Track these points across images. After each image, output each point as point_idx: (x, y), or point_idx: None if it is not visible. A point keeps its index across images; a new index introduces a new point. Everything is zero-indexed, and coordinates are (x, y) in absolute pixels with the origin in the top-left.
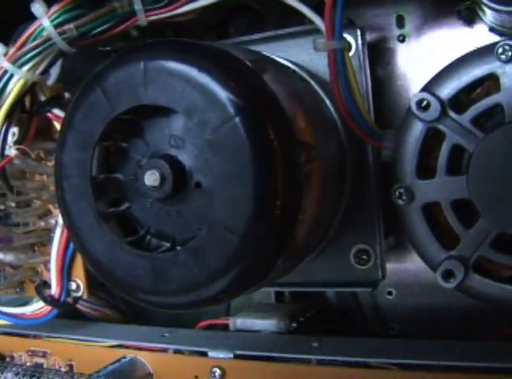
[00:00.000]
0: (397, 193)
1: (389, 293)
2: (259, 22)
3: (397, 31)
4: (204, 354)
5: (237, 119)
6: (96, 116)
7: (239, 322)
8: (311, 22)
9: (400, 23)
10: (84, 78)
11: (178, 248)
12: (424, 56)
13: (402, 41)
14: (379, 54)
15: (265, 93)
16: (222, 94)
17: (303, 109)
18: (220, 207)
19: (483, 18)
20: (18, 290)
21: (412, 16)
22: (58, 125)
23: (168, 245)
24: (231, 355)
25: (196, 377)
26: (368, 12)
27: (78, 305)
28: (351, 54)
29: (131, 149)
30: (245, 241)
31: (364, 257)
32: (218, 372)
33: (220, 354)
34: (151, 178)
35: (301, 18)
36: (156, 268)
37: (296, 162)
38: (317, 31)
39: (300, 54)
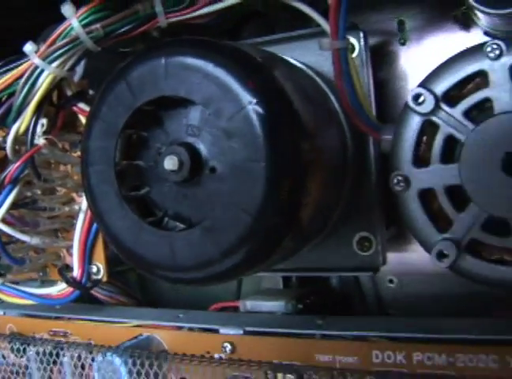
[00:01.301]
0: (395, 181)
1: (391, 281)
2: (269, 26)
3: (398, 35)
4: (215, 331)
5: (249, 108)
6: (121, 107)
7: (249, 304)
8: (317, 26)
9: (401, 27)
10: (106, 75)
11: (193, 227)
12: (424, 58)
13: (403, 44)
14: (382, 57)
15: (274, 86)
16: (235, 86)
17: (308, 102)
18: (233, 189)
19: (478, 22)
20: (41, 274)
21: (412, 21)
22: (82, 119)
23: (184, 225)
24: (241, 331)
25: (208, 352)
26: (371, 17)
27: (96, 293)
28: (354, 54)
29: (151, 138)
30: (256, 220)
31: (366, 243)
32: (229, 347)
33: (231, 331)
34: (170, 163)
35: (308, 23)
36: (174, 246)
37: (302, 149)
38: (322, 33)
39: (307, 55)
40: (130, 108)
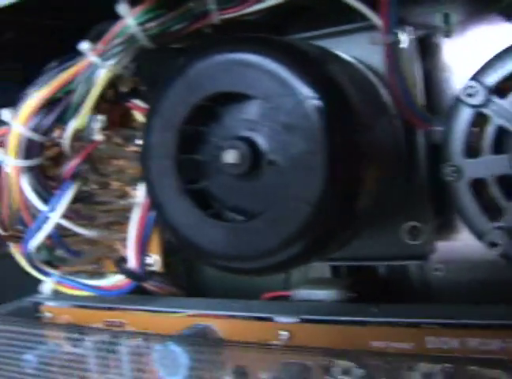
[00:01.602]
0: (447, 171)
1: (437, 269)
2: (315, 20)
3: (443, 28)
4: (270, 319)
5: (308, 103)
6: (180, 103)
7: (301, 293)
8: (363, 20)
9: (446, 20)
10: (155, 71)
11: (253, 219)
12: (468, 49)
13: (448, 36)
14: (427, 49)
15: (331, 81)
16: (294, 81)
17: (362, 95)
18: (293, 181)
19: None
20: (96, 266)
21: (457, 14)
22: (136, 114)
23: (243, 217)
24: (298, 319)
25: (264, 339)
26: (417, 10)
27: (145, 284)
28: (403, 47)
29: (209, 132)
30: (316, 210)
31: (415, 232)
32: (285, 335)
33: (287, 319)
34: (230, 157)
35: (353, 16)
36: (235, 236)
37: (358, 141)
38: (370, 27)
39: (356, 49)
40: (189, 104)
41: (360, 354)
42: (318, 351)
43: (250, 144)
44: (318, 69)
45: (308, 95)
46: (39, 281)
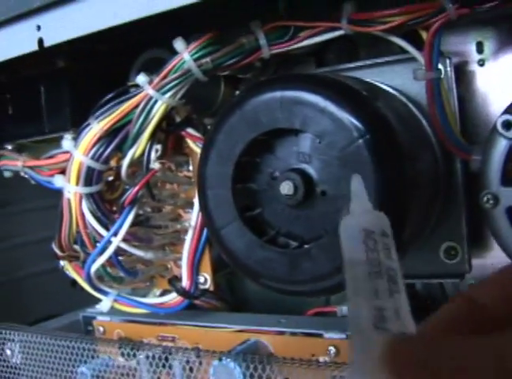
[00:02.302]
0: (485, 199)
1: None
2: (352, 48)
3: (476, 56)
4: (319, 335)
5: (361, 141)
6: (237, 137)
7: (346, 309)
8: (401, 50)
9: (480, 49)
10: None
11: (307, 245)
12: (502, 78)
13: (482, 65)
14: (462, 77)
15: (380, 118)
16: (348, 120)
17: (406, 128)
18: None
19: None
20: (148, 284)
21: (490, 43)
22: (189, 142)
23: (297, 243)
24: (344, 335)
25: (313, 355)
26: (451, 39)
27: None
28: (441, 78)
29: (263, 163)
30: None
31: (453, 252)
32: (333, 350)
33: (335, 335)
34: (286, 188)
35: (389, 45)
36: (291, 261)
37: (405, 173)
38: (410, 59)
39: (394, 80)
40: (246, 138)
41: None
42: None
43: (304, 175)
44: (368, 108)
45: (360, 134)
46: (85, 295)
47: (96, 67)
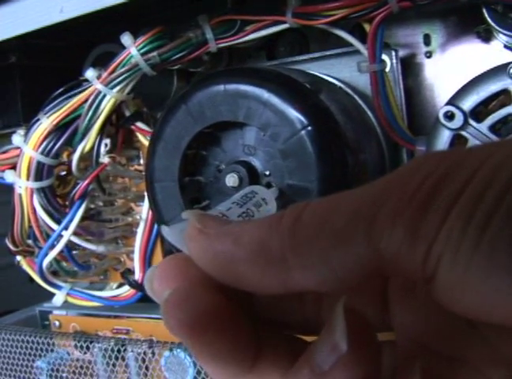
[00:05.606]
0: None
1: None
2: (303, 42)
3: (424, 48)
4: None
5: (303, 132)
6: (183, 130)
7: None
8: (350, 45)
9: (427, 41)
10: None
11: None
12: (448, 69)
13: (429, 57)
14: (409, 68)
15: (322, 110)
16: (290, 112)
17: (351, 120)
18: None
19: (498, 38)
20: (102, 277)
21: (438, 35)
22: (139, 136)
23: None
24: None
25: None
26: (399, 32)
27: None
28: (386, 70)
29: (210, 156)
30: None
31: None
32: None
33: None
34: (231, 180)
35: (339, 38)
36: None
37: (349, 164)
38: (356, 52)
39: (342, 72)
40: (192, 131)
41: None
42: None
43: (249, 167)
44: (311, 100)
45: (303, 126)
46: (42, 289)
47: (51, 63)
